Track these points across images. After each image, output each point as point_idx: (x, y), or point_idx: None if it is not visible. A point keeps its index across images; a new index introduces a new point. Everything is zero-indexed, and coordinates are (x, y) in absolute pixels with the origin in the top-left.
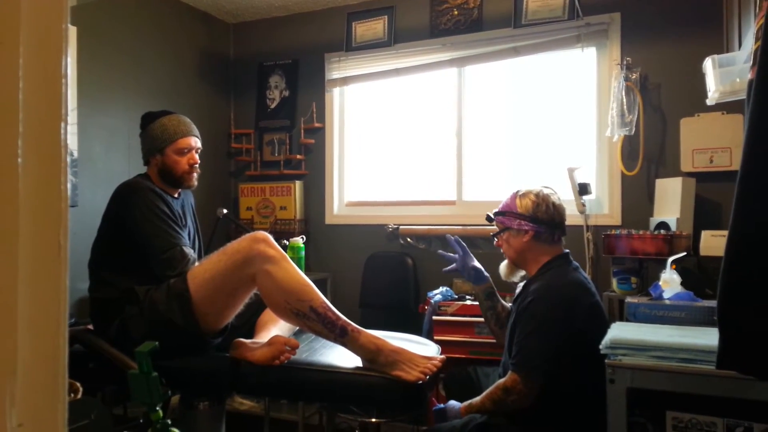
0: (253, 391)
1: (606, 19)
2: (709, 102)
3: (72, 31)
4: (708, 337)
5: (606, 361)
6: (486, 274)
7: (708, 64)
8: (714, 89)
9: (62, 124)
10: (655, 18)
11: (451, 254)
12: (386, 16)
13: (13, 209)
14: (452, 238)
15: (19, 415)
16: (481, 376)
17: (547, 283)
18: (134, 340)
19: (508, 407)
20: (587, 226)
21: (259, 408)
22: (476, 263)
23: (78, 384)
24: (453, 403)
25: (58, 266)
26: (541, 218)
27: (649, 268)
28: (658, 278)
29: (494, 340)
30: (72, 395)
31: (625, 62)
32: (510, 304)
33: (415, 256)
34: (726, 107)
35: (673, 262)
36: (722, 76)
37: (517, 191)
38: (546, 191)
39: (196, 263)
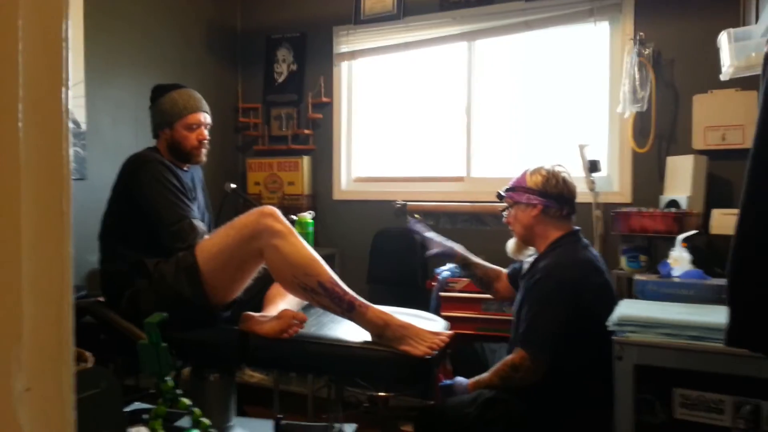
0: (262, 364)
1: None
2: (723, 77)
3: (78, 2)
4: (717, 315)
5: (613, 337)
6: (454, 249)
7: (723, 38)
8: (729, 64)
9: (63, 89)
10: None
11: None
12: None
13: (13, 175)
14: (412, 223)
15: (26, 379)
16: (488, 352)
17: (556, 261)
18: (144, 312)
19: (515, 383)
20: (596, 204)
21: (268, 380)
22: (433, 249)
23: (88, 353)
24: (460, 379)
25: (62, 233)
26: (550, 192)
27: (658, 246)
28: (667, 256)
29: (502, 316)
30: (82, 364)
31: (638, 37)
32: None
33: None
34: (740, 83)
35: (684, 240)
36: (737, 50)
37: (528, 169)
38: (557, 168)
39: (206, 237)
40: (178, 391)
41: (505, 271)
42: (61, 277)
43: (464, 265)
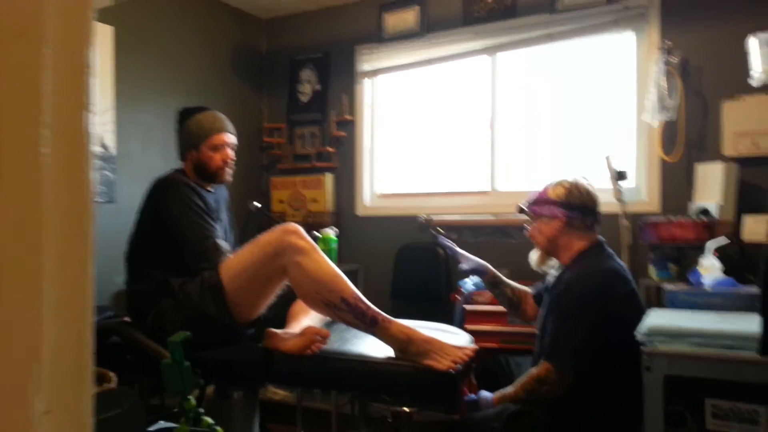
0: (285, 381)
1: (644, 2)
2: (754, 83)
3: (108, 30)
4: (749, 323)
5: (642, 348)
6: (487, 266)
7: (752, 43)
8: (760, 70)
9: (85, 113)
10: None
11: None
12: (418, 6)
13: (35, 198)
14: (442, 238)
15: (45, 401)
16: (513, 365)
17: (580, 273)
18: (169, 331)
19: (541, 397)
20: (625, 214)
21: (292, 397)
22: (464, 264)
23: (111, 374)
24: (485, 393)
25: (85, 255)
26: (573, 203)
27: (688, 255)
28: (698, 265)
29: (526, 329)
30: (105, 384)
31: (665, 46)
32: (516, 285)
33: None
34: None
35: (716, 248)
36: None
37: (550, 183)
38: (579, 180)
39: (230, 255)
40: (201, 410)
41: (531, 291)
42: (83, 299)
43: (494, 283)
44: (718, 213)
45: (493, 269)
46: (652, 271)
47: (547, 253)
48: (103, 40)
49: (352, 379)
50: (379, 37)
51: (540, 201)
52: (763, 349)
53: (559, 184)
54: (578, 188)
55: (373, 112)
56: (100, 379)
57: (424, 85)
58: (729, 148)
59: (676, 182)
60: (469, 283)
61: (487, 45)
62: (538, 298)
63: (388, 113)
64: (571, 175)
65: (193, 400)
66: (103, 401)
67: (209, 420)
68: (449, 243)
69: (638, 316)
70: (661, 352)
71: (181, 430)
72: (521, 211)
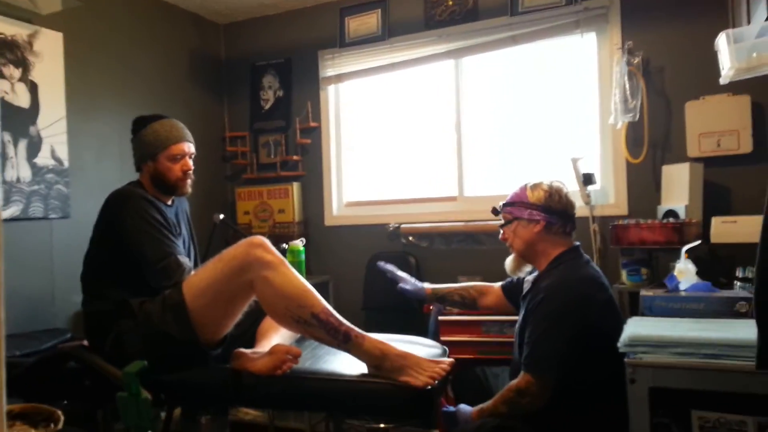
0: (256, 403)
1: (605, 2)
2: (723, 81)
3: (57, 37)
4: (732, 330)
5: (625, 360)
6: (419, 286)
7: (722, 41)
8: (729, 66)
9: None
10: None
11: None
12: (379, 10)
13: None
14: (382, 265)
15: None
16: (490, 376)
17: (558, 280)
18: (130, 354)
19: (522, 409)
20: (593, 217)
21: (264, 417)
22: (404, 285)
23: (59, 413)
24: (463, 407)
25: None
26: (554, 208)
27: (659, 258)
28: (669, 268)
29: (502, 338)
30: (52, 426)
31: (626, 46)
32: (471, 284)
33: (418, 255)
34: (732, 88)
35: (687, 251)
36: (738, 52)
37: (527, 183)
38: (557, 184)
39: (192, 272)
40: None
41: (494, 285)
42: None
43: (438, 298)
44: (685, 214)
45: (430, 286)
46: (624, 275)
47: (523, 257)
48: (52, 47)
49: (326, 399)
50: (341, 42)
51: (518, 203)
52: (760, 363)
53: (538, 186)
54: (558, 193)
55: (338, 119)
56: (47, 420)
57: (389, 90)
58: (693, 148)
59: (642, 184)
60: None
61: (450, 48)
62: (509, 290)
63: (353, 119)
64: (548, 178)
65: None
66: None
67: None
68: (389, 267)
69: (617, 324)
70: (645, 364)
71: None
72: (496, 212)
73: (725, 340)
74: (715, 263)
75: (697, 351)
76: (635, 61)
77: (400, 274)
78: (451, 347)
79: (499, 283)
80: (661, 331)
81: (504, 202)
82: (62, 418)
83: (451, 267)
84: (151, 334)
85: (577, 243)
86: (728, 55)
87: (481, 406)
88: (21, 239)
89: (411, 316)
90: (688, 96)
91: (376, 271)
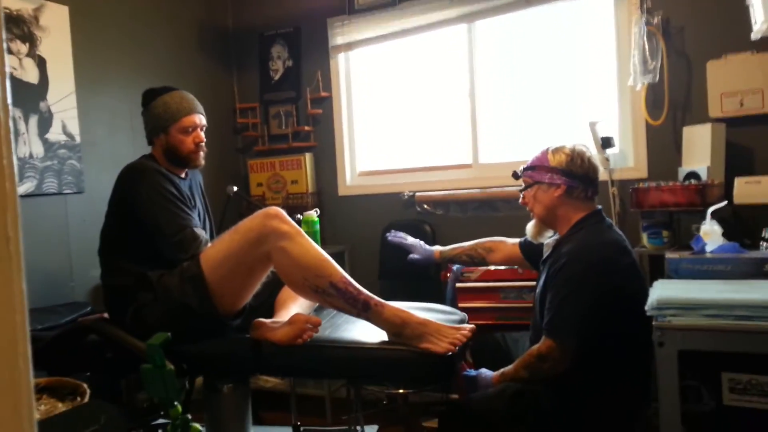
0: (277, 372)
1: None
2: (754, 36)
3: (63, 11)
4: (763, 291)
5: (654, 323)
6: (428, 252)
7: None
8: (763, 20)
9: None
10: None
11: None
12: None
13: None
14: (392, 240)
15: None
16: (509, 342)
17: (580, 244)
18: (150, 327)
19: (543, 374)
20: (612, 181)
21: (284, 385)
22: (414, 255)
23: (84, 386)
24: (485, 371)
25: (9, 264)
26: (575, 172)
27: (680, 221)
28: (690, 231)
29: (521, 304)
30: (78, 399)
31: (645, 5)
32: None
33: (433, 223)
34: (756, 46)
35: (713, 212)
36: None
37: (548, 147)
38: (580, 147)
39: (209, 244)
40: (188, 416)
41: (507, 241)
42: (12, 322)
43: (447, 260)
44: (707, 176)
45: (439, 248)
46: (644, 238)
47: (544, 223)
48: (58, 20)
49: (348, 367)
50: (350, 9)
51: (538, 167)
52: None
53: (560, 150)
54: (581, 156)
55: (349, 88)
56: (73, 393)
57: (400, 57)
58: (715, 109)
59: (662, 146)
60: None
61: (463, 12)
62: (527, 249)
63: (365, 88)
64: (569, 142)
65: (179, 406)
66: (77, 418)
67: (198, 427)
68: (399, 237)
69: (641, 288)
70: (674, 327)
71: None
72: (516, 176)
73: (757, 301)
74: (739, 224)
75: (728, 313)
76: (655, 21)
77: (410, 241)
78: (470, 314)
79: (515, 240)
80: (690, 294)
81: (524, 165)
82: (88, 391)
83: (467, 234)
84: (171, 306)
85: (599, 207)
86: (762, 8)
87: (502, 370)
88: (36, 215)
89: (428, 283)
90: (710, 55)
91: (389, 243)
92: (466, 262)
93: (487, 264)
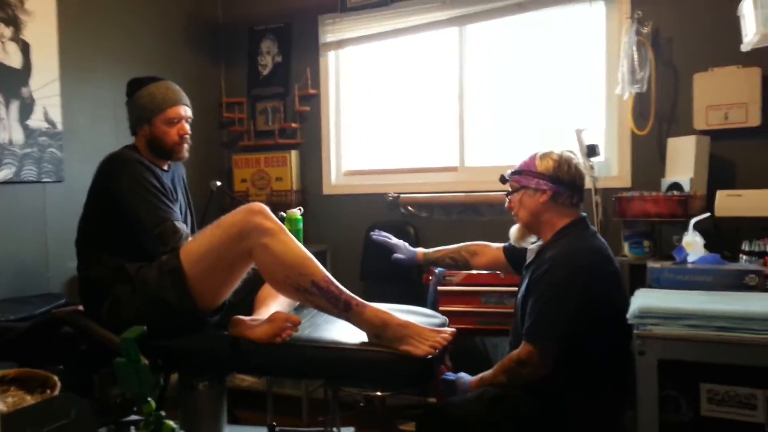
0: (254, 371)
1: None
2: (744, 48)
3: None
4: (743, 303)
5: (635, 332)
6: (412, 253)
7: (747, 5)
8: (754, 32)
9: None
10: None
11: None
12: None
13: None
14: (375, 239)
15: None
16: (489, 347)
17: (564, 250)
18: (127, 320)
19: (522, 379)
20: (595, 189)
21: (261, 384)
22: (398, 254)
23: (55, 378)
24: (463, 375)
25: None
26: (562, 178)
27: (662, 231)
28: (671, 241)
29: (502, 309)
30: (48, 392)
31: (635, 15)
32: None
33: (417, 226)
34: (743, 60)
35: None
36: (765, 17)
37: (537, 152)
38: (567, 154)
39: (189, 238)
40: (162, 413)
41: (491, 245)
42: None
43: (431, 262)
44: (690, 188)
45: (423, 250)
46: (626, 247)
47: (528, 228)
48: (44, 5)
49: (326, 368)
50: (342, 7)
51: (526, 172)
52: None
53: (547, 155)
54: (568, 163)
55: (338, 86)
56: (43, 386)
57: (390, 57)
58: (700, 121)
59: (647, 156)
60: None
61: (455, 15)
62: (511, 253)
63: (354, 87)
64: (558, 148)
65: (152, 402)
66: (46, 411)
67: (172, 424)
68: (383, 237)
69: (623, 296)
70: (654, 336)
71: None
72: (503, 180)
73: (738, 312)
74: (720, 237)
75: (709, 323)
76: (644, 31)
77: (394, 241)
78: (450, 317)
79: (499, 244)
80: (672, 303)
81: (512, 170)
82: (58, 383)
83: (450, 238)
84: (148, 300)
85: (584, 214)
86: (754, 20)
87: (481, 375)
88: (14, 203)
89: (409, 285)
90: (697, 68)
91: (373, 241)
92: (449, 265)
93: (470, 267)
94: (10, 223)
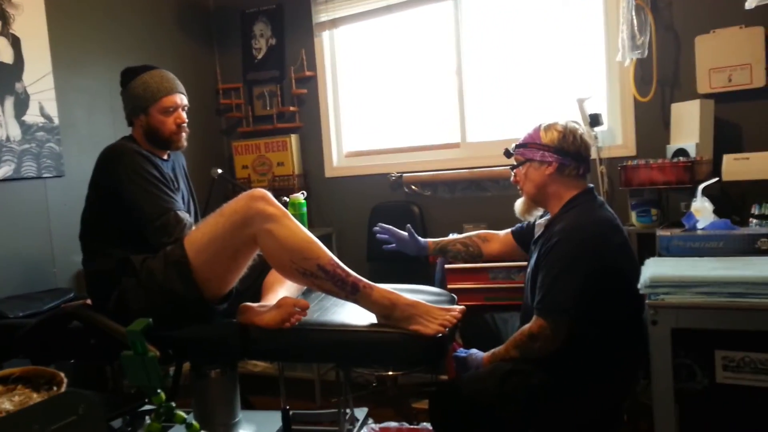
0: (265, 356)
1: None
2: (749, 5)
3: None
4: (756, 268)
5: (647, 301)
6: (420, 245)
7: None
8: None
9: None
10: None
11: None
12: None
13: None
14: (380, 229)
15: None
16: (499, 322)
17: (573, 222)
18: (134, 312)
19: (534, 353)
20: (600, 159)
21: (273, 369)
22: (407, 249)
23: (62, 375)
24: (475, 351)
25: None
26: (567, 149)
27: (669, 198)
28: (679, 208)
29: (510, 284)
30: (55, 389)
31: None
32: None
33: (421, 204)
34: (745, 20)
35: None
36: None
37: (541, 124)
38: (572, 124)
39: (193, 227)
40: (172, 404)
41: (499, 233)
42: None
43: (441, 251)
44: (696, 153)
45: (432, 240)
46: (633, 216)
47: (534, 201)
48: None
49: (336, 351)
50: None
51: (530, 144)
52: None
53: (552, 127)
54: (573, 133)
55: (334, 67)
56: (49, 383)
57: (386, 35)
58: (703, 84)
59: (651, 123)
60: None
61: None
62: (520, 236)
63: (350, 67)
64: (563, 118)
65: (162, 393)
66: (53, 408)
67: (183, 415)
68: (386, 236)
69: (633, 266)
70: (667, 305)
71: (151, 429)
72: (508, 154)
73: (751, 278)
74: (728, 201)
75: (722, 290)
76: None
77: (400, 234)
78: (459, 294)
79: (506, 230)
80: (683, 271)
81: (517, 143)
82: (65, 380)
83: (455, 215)
84: (155, 291)
85: (591, 185)
86: None
87: (493, 350)
88: (15, 200)
89: (417, 265)
90: (698, 30)
91: (380, 221)
92: (460, 252)
93: (482, 254)
94: (13, 220)
